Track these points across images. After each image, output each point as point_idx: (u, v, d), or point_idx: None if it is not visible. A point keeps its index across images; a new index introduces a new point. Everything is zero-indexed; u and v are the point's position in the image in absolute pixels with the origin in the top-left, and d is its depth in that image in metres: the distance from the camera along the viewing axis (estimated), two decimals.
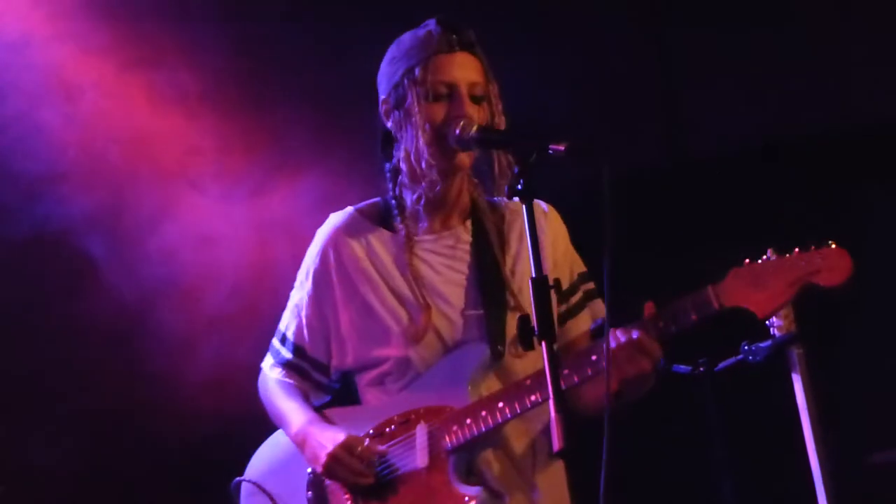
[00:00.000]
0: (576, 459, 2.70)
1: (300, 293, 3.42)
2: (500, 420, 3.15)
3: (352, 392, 3.43)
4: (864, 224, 5.37)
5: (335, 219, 3.42)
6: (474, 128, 3.14)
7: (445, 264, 3.31)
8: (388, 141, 3.34)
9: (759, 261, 3.05)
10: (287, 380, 3.44)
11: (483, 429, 3.16)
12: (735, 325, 4.09)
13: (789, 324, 3.98)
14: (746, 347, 4.19)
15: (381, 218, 3.37)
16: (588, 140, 2.83)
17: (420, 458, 3.19)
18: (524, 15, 5.47)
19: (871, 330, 5.29)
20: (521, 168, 2.83)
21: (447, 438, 3.18)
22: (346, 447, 3.22)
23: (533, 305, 2.74)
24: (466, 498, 3.13)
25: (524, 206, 2.79)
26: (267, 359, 3.51)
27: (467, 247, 3.32)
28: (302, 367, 3.43)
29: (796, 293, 3.01)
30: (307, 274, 3.40)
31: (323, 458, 3.23)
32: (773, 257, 3.03)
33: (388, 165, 3.35)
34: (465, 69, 3.23)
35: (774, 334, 4.00)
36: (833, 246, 2.98)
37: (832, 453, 4.00)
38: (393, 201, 3.34)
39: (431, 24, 3.27)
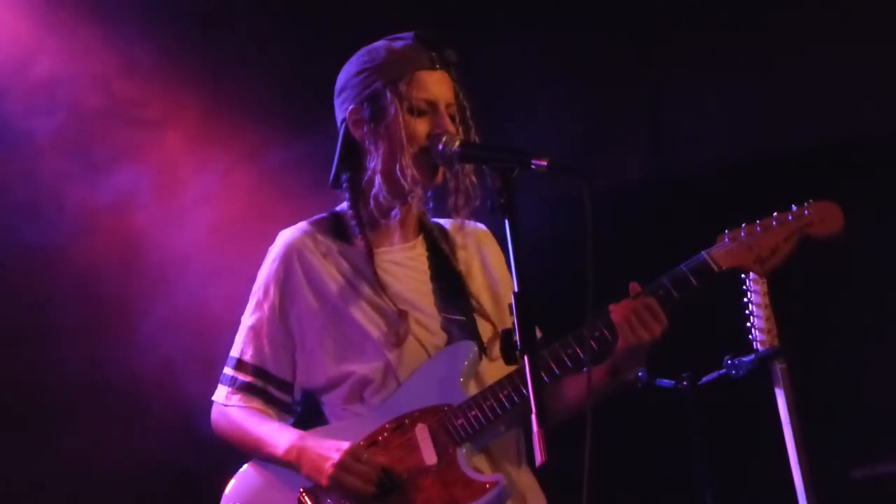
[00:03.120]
0: (557, 471, 2.70)
1: (257, 314, 3.31)
2: (507, 407, 3.14)
3: (314, 416, 3.33)
4: (848, 239, 5.38)
5: (290, 232, 3.34)
6: (457, 143, 3.13)
7: (407, 274, 3.31)
8: (351, 152, 3.29)
9: (753, 223, 3.15)
10: (250, 405, 3.30)
11: (491, 417, 3.16)
12: (718, 340, 4.12)
13: (772, 338, 3.97)
14: (729, 362, 4.17)
15: (335, 230, 3.32)
16: (569, 155, 2.85)
17: (427, 456, 3.16)
18: (514, 29, 5.48)
19: (853, 345, 5.30)
20: (503, 183, 2.81)
21: (454, 432, 3.16)
22: (353, 454, 3.14)
23: (515, 320, 2.72)
24: (488, 485, 3.14)
25: (506, 222, 2.77)
26: (220, 390, 3.35)
27: (424, 259, 3.34)
28: (264, 389, 3.30)
29: (794, 248, 3.14)
30: (265, 290, 3.30)
31: (328, 467, 3.13)
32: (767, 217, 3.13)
33: (345, 176, 3.30)
34: (443, 88, 3.23)
35: (757, 349, 3.99)
36: (822, 200, 3.13)
37: (815, 468, 4.00)
38: (350, 212, 3.29)
39: (409, 37, 3.24)
